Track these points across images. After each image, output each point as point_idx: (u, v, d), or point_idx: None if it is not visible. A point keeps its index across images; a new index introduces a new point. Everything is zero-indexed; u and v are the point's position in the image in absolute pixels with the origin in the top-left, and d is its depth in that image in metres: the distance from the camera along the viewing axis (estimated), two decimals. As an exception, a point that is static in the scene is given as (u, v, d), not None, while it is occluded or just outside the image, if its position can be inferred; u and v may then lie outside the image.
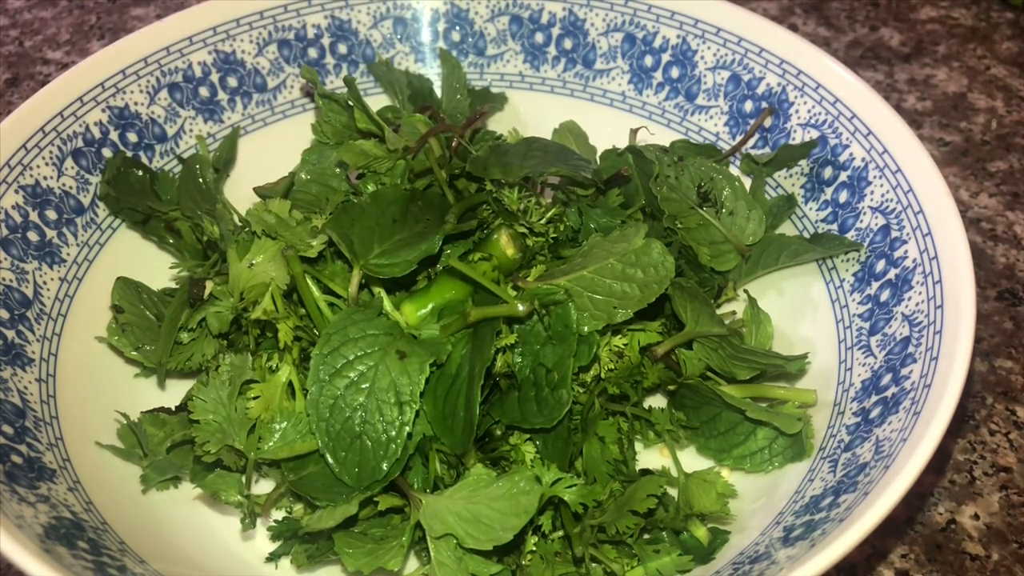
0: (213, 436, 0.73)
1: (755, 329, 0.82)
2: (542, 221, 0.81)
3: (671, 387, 0.80)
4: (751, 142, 0.93)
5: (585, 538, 0.72)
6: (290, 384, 0.75)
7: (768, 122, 0.92)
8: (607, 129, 0.99)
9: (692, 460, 0.81)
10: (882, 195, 0.83)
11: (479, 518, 0.68)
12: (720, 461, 0.80)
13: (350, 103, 0.88)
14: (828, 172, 0.88)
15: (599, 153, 0.94)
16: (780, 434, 0.78)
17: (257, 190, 0.89)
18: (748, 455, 0.79)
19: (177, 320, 0.80)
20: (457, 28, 1.02)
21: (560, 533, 0.73)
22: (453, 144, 0.85)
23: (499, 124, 1.01)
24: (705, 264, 0.85)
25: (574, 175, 0.82)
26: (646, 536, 0.75)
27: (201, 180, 0.91)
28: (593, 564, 0.72)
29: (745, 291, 0.85)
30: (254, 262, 0.77)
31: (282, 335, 0.75)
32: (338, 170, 0.87)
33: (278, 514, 0.78)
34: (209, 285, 0.80)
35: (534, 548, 0.72)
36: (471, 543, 0.68)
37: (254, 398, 0.74)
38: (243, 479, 0.74)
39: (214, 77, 0.96)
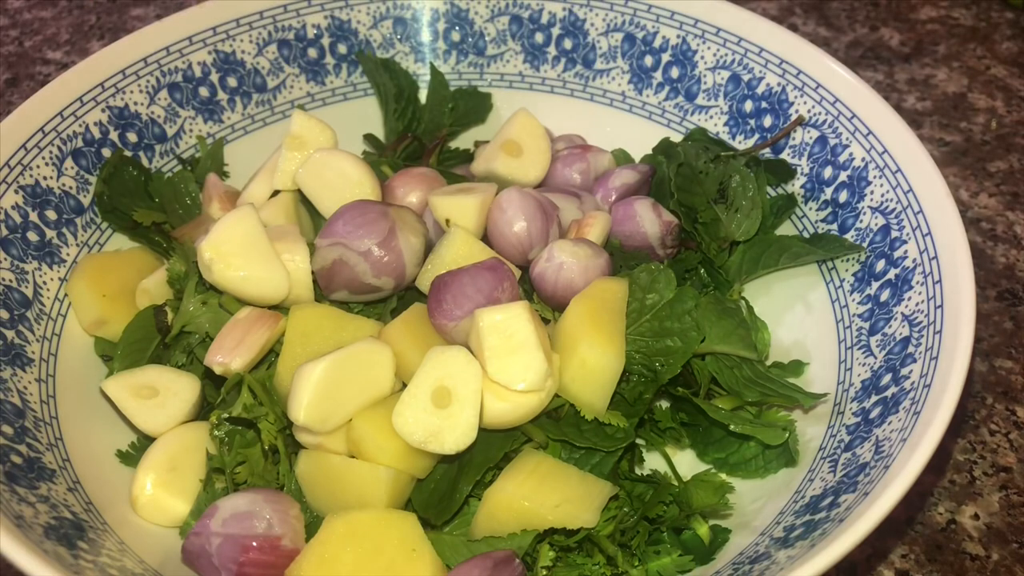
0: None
1: (753, 335, 0.82)
2: None
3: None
4: (751, 142, 0.93)
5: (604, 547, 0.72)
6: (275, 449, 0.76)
7: (768, 122, 0.92)
8: (607, 129, 0.99)
9: (694, 463, 0.82)
10: (882, 195, 0.83)
11: None
12: (718, 469, 0.80)
13: None
14: (828, 172, 0.88)
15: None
16: (766, 446, 0.78)
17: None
18: (742, 463, 0.80)
19: (147, 346, 0.81)
20: (457, 28, 1.02)
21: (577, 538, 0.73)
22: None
23: (498, 124, 1.01)
24: (714, 259, 0.85)
25: None
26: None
27: (186, 196, 0.91)
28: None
29: (742, 298, 0.85)
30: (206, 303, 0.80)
31: (265, 435, 0.75)
32: None
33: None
34: (170, 314, 0.81)
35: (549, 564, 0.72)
36: None
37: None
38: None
39: (214, 77, 0.96)
